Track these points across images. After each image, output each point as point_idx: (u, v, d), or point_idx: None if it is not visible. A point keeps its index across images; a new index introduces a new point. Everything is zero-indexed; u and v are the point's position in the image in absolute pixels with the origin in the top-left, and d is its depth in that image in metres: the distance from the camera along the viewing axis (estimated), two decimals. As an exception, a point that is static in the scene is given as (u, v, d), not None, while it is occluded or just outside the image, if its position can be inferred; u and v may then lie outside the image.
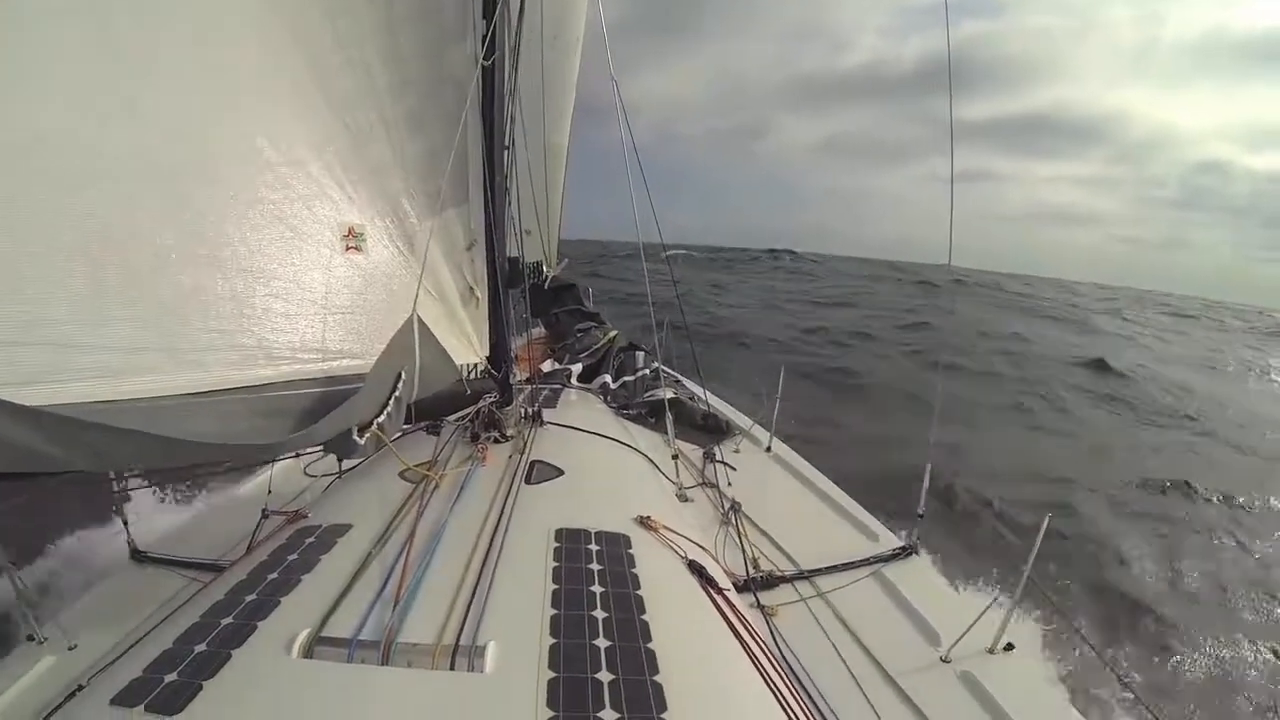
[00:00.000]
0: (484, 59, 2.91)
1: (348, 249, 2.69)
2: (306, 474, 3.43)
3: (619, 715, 1.39)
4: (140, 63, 2.03)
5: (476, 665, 1.54)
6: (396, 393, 2.40)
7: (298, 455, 3.76)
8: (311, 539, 2.17)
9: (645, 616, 1.80)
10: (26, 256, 1.77)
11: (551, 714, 1.38)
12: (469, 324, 3.25)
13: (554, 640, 1.64)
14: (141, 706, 1.37)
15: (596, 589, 1.90)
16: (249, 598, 1.80)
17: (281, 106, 2.46)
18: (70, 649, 2.40)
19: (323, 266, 2.59)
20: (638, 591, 1.92)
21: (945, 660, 2.67)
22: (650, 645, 1.66)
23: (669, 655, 1.64)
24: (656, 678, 1.54)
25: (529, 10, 4.93)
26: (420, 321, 2.57)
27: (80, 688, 1.71)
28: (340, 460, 3.14)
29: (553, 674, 1.51)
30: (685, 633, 1.86)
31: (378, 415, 2.31)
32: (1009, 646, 2.71)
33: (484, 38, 2.87)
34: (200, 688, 1.43)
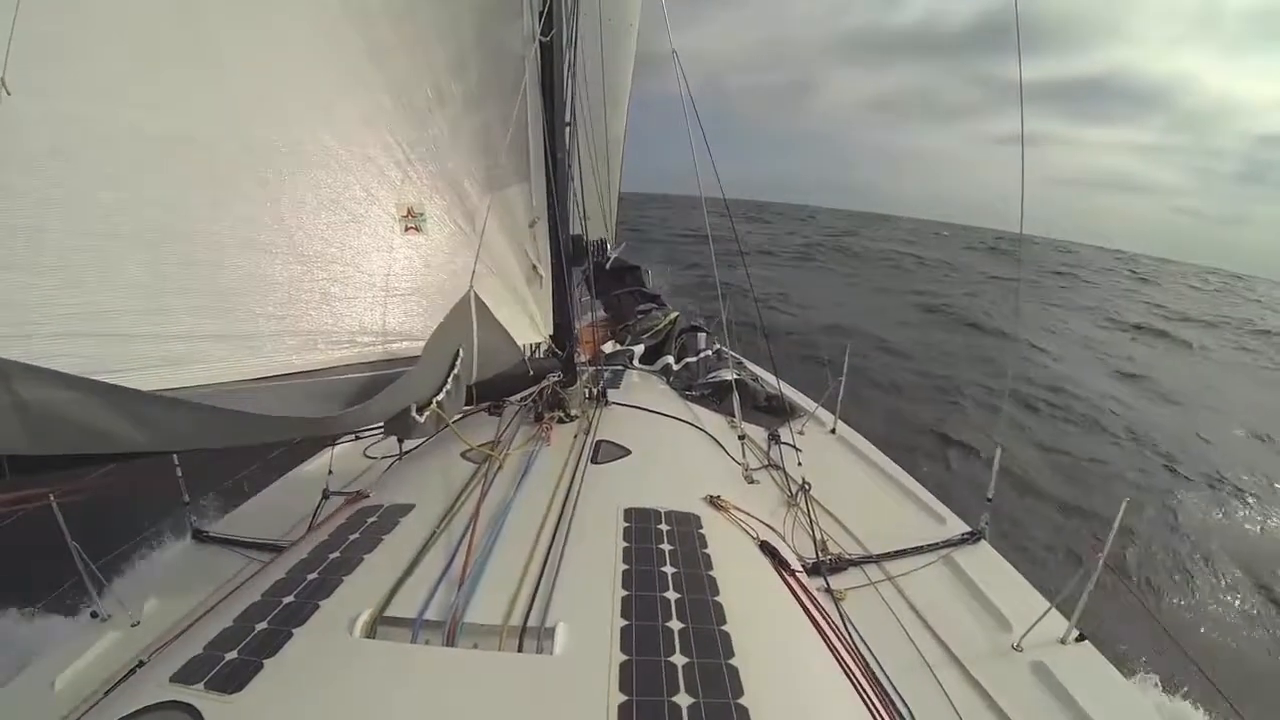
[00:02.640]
0: (542, 35, 2.86)
1: (407, 229, 2.68)
2: (367, 456, 3.47)
3: (694, 699, 1.34)
4: (192, 50, 2.04)
5: (546, 647, 1.50)
6: (455, 371, 2.37)
7: (357, 438, 3.82)
8: (373, 519, 2.15)
9: (718, 598, 1.74)
10: (87, 249, 1.81)
11: (625, 698, 1.33)
12: (532, 302, 3.21)
13: (625, 622, 1.59)
14: (201, 684, 1.36)
15: (668, 569, 1.85)
16: (310, 576, 1.79)
17: (336, 87, 2.43)
18: (133, 625, 2.47)
19: (382, 248, 2.58)
20: (710, 572, 1.87)
21: (1017, 649, 2.61)
22: (725, 628, 1.61)
23: (744, 638, 1.58)
24: (732, 661, 1.49)
25: None
26: (477, 299, 2.54)
27: (141, 663, 1.73)
28: (401, 442, 3.16)
29: (625, 656, 1.46)
30: (759, 615, 1.80)
31: (436, 394, 2.29)
32: (1081, 637, 2.64)
33: (541, 14, 2.82)
34: (261, 666, 1.42)
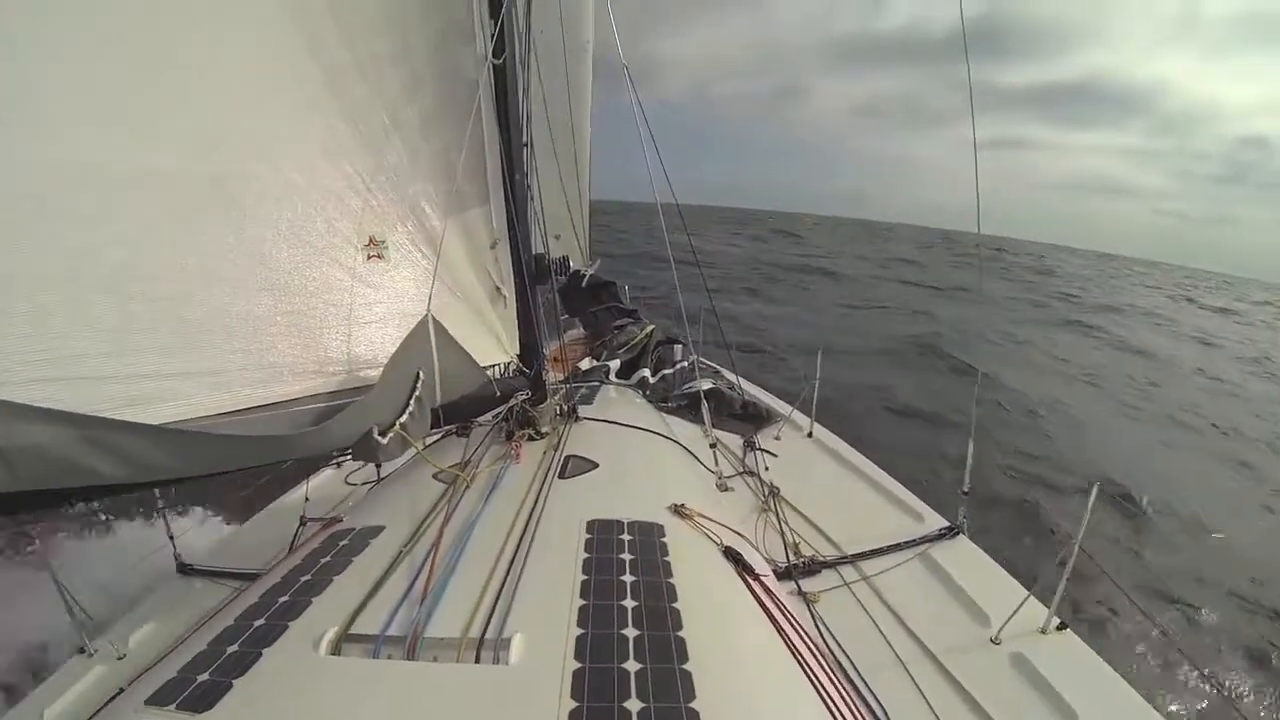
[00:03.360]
0: (494, 57, 2.90)
1: (370, 257, 2.69)
2: (347, 483, 3.49)
3: (644, 704, 1.36)
4: (155, 86, 2.05)
5: (502, 657, 1.53)
6: (416, 393, 2.40)
7: (338, 465, 3.83)
8: (345, 541, 2.18)
9: (676, 604, 1.76)
10: (51, 292, 1.82)
11: (575, 704, 1.35)
12: (498, 323, 3.24)
13: (581, 631, 1.61)
14: (174, 705, 1.40)
15: (627, 578, 1.87)
16: (281, 599, 1.82)
17: (294, 118, 2.45)
18: (119, 659, 2.48)
19: (345, 278, 2.60)
20: (669, 580, 1.88)
21: (995, 642, 2.59)
22: (680, 633, 1.63)
23: (700, 643, 1.60)
24: (686, 665, 1.50)
25: (546, 17, 4.95)
26: (436, 323, 2.57)
27: (120, 690, 1.75)
28: (378, 466, 3.18)
29: (579, 664, 1.48)
30: (717, 620, 1.81)
31: (399, 416, 2.31)
32: (1062, 626, 2.63)
33: (492, 36, 2.86)
34: (230, 685, 1.45)
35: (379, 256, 2.73)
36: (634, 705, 1.35)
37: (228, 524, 3.64)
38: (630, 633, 1.61)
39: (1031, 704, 2.33)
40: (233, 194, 2.27)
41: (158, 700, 1.44)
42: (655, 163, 3.70)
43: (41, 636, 3.22)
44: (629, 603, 1.75)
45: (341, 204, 2.59)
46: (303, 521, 3.02)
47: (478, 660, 1.54)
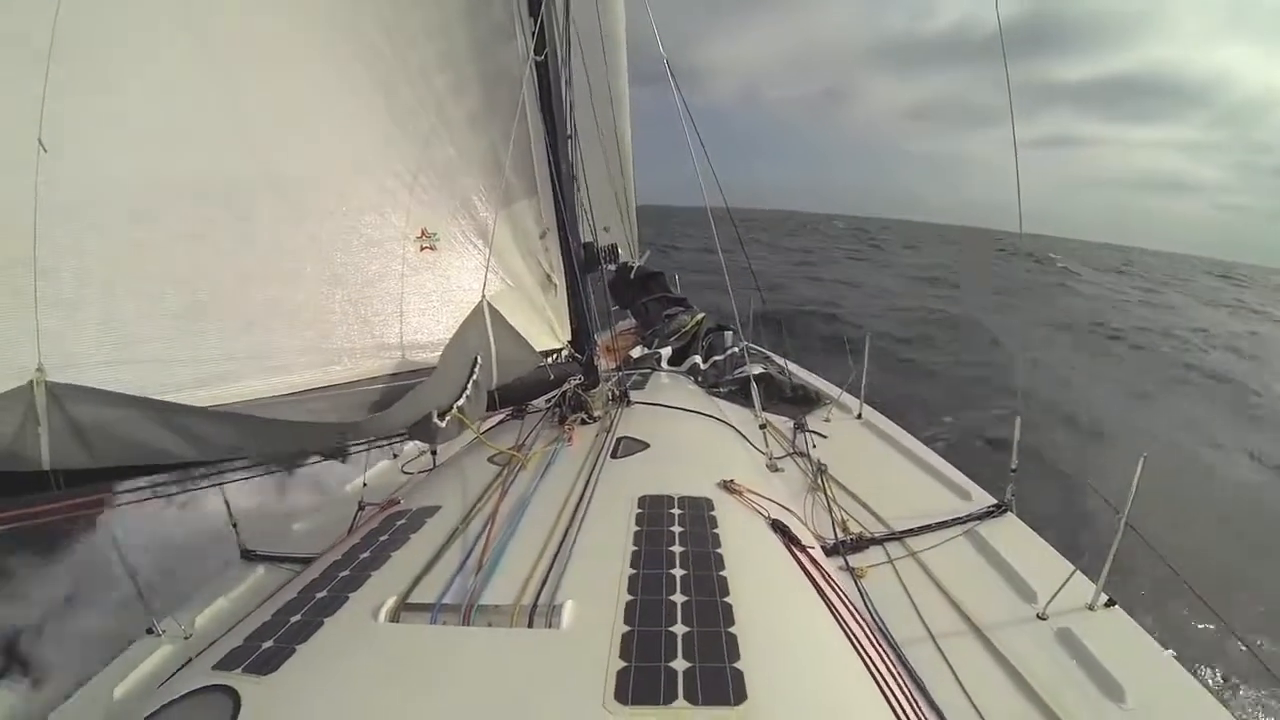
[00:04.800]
0: (535, 54, 2.99)
1: (422, 249, 2.83)
2: (404, 472, 3.62)
3: (690, 664, 1.40)
4: (219, 95, 2.24)
5: (554, 623, 1.58)
6: (474, 377, 2.50)
7: (395, 456, 3.99)
8: (402, 521, 2.27)
9: (724, 573, 1.80)
10: (122, 283, 2.00)
11: (624, 664, 1.40)
12: (549, 310, 3.34)
13: (631, 597, 1.66)
14: (239, 669, 1.50)
15: (676, 549, 1.91)
16: (342, 574, 1.92)
17: (348, 121, 2.62)
18: (186, 638, 2.62)
19: (399, 268, 2.74)
20: (717, 550, 1.92)
21: (1041, 617, 2.57)
22: (727, 599, 1.66)
23: (745, 608, 1.64)
24: (731, 629, 1.54)
25: (580, 9, 5.03)
26: (491, 308, 2.67)
27: (189, 660, 1.88)
28: (434, 454, 3.30)
29: (628, 628, 1.54)
30: (763, 587, 1.85)
31: (456, 399, 2.42)
32: (1110, 602, 2.59)
33: (533, 33, 2.95)
34: (294, 651, 1.55)
35: (431, 248, 2.86)
36: (680, 665, 1.40)
37: (289, 512, 3.81)
38: (679, 599, 1.66)
39: (1077, 680, 2.30)
40: (289, 194, 2.45)
41: (225, 665, 1.53)
42: (705, 166, 3.73)
43: (111, 619, 3.40)
44: (678, 571, 1.79)
45: (394, 199, 2.74)
46: (361, 506, 3.15)
47: (530, 625, 1.60)
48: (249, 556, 3.27)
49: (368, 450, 2.77)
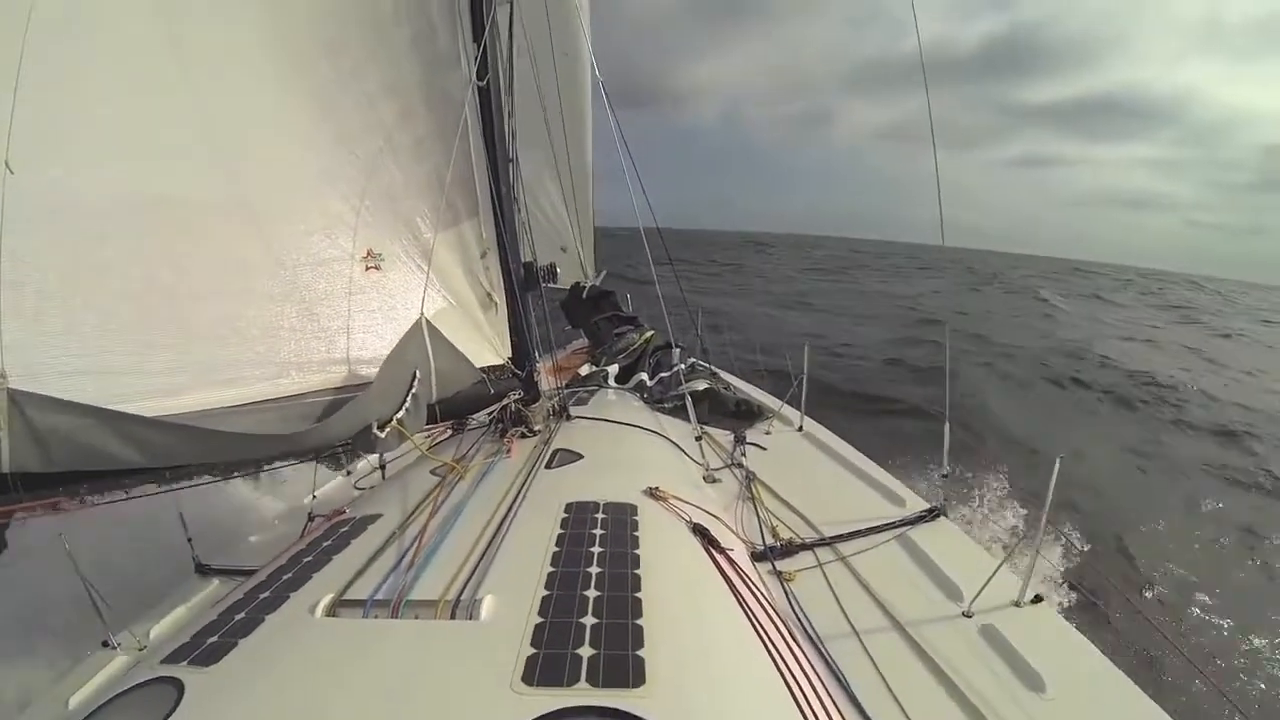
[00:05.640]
0: (477, 79, 3.12)
1: (368, 269, 2.95)
2: (355, 488, 3.68)
3: (596, 651, 1.54)
4: (177, 118, 2.37)
5: (474, 614, 1.72)
6: (413, 391, 2.61)
7: (348, 473, 4.05)
8: (345, 528, 2.38)
9: (638, 571, 1.93)
10: (81, 296, 2.11)
11: (533, 651, 1.54)
12: (488, 327, 3.46)
13: (547, 592, 1.80)
14: (185, 662, 1.61)
15: (596, 549, 2.05)
16: (286, 576, 2.03)
17: (298, 147, 2.75)
18: (140, 650, 2.65)
19: (345, 287, 2.87)
20: (635, 551, 2.05)
21: (967, 615, 2.61)
22: (638, 594, 1.80)
23: (655, 602, 1.77)
24: (639, 621, 1.67)
25: (536, 30, 5.18)
26: (429, 324, 2.79)
27: (140, 660, 1.95)
28: (383, 470, 3.38)
29: (541, 619, 1.67)
30: (675, 584, 1.97)
31: (396, 412, 2.52)
32: (1036, 599, 2.65)
33: (475, 58, 3.08)
34: (235, 644, 1.66)
35: (376, 268, 2.97)
36: (586, 651, 1.54)
37: (243, 526, 3.84)
38: (591, 593, 1.80)
39: (998, 671, 2.34)
40: (243, 214, 2.57)
41: (171, 659, 1.65)
42: (638, 189, 3.86)
43: (64, 632, 3.37)
44: (594, 569, 1.93)
45: (341, 221, 2.87)
46: (310, 518, 3.21)
47: (453, 617, 1.74)
48: (203, 570, 3.29)
49: (315, 463, 2.83)
